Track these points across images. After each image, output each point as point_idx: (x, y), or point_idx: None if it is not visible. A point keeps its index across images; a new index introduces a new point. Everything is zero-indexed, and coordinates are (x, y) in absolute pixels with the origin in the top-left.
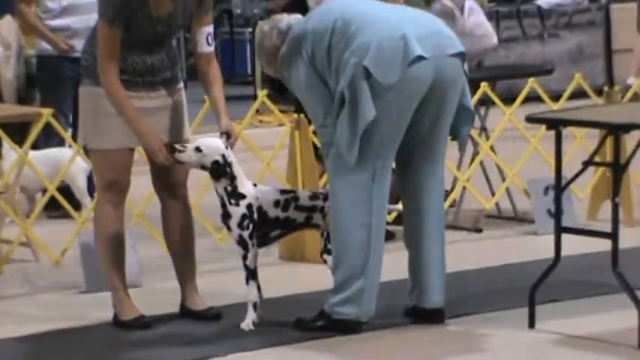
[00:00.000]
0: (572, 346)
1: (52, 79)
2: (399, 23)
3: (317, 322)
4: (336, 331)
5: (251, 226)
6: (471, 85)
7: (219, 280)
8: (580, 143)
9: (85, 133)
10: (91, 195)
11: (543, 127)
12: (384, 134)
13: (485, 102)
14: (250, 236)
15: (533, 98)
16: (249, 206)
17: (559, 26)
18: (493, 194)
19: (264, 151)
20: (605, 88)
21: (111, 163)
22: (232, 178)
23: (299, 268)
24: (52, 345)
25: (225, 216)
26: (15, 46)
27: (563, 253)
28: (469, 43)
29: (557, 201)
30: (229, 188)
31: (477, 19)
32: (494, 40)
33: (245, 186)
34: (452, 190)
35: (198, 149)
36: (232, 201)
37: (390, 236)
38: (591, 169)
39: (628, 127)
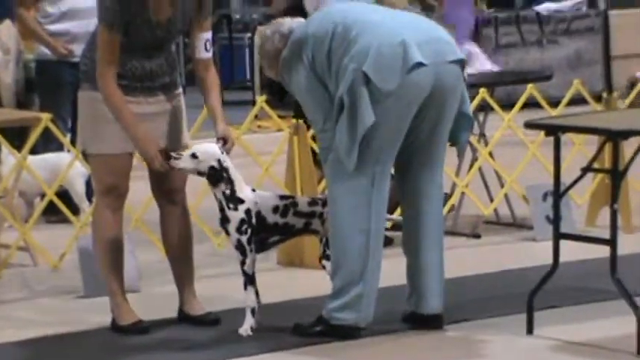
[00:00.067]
0: (571, 352)
1: (51, 83)
2: (398, 29)
3: (315, 327)
4: (334, 336)
5: (249, 231)
6: (469, 91)
7: (218, 285)
8: (579, 149)
9: (83, 137)
10: (90, 200)
11: (542, 133)
12: (383, 140)
13: (484, 108)
14: (249, 241)
15: (531, 104)
16: (248, 211)
17: (558, 32)
18: (492, 200)
19: (262, 157)
20: (604, 95)
21: (110, 168)
22: (230, 183)
23: (297, 273)
24: (50, 350)
25: (224, 220)
26: (14, 51)
27: (562, 259)
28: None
29: (556, 207)
30: (227, 193)
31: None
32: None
33: (243, 191)
34: (451, 195)
35: (194, 155)
36: (231, 205)
37: (388, 242)
38: (590, 175)
39: (626, 134)
